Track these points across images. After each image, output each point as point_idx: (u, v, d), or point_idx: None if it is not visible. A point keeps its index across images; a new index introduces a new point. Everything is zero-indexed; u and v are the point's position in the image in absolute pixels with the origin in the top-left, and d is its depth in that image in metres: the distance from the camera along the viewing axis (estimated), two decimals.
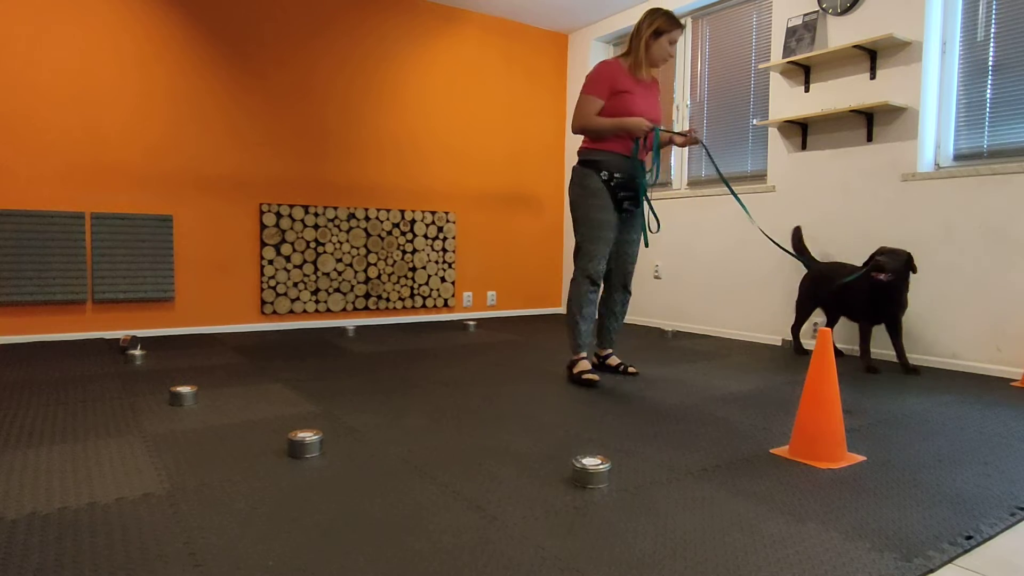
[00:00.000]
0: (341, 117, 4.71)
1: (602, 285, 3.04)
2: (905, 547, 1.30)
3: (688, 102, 4.79)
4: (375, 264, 4.87)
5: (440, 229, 5.14)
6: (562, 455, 1.84)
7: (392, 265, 4.94)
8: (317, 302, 4.64)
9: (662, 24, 2.81)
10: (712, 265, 4.49)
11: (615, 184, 2.83)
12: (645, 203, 2.99)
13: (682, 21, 2.98)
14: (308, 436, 1.82)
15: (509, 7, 5.15)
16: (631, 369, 3.01)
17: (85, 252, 3.86)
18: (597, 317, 3.03)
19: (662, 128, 2.85)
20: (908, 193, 3.41)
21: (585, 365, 2.86)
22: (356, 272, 4.79)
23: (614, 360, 3.08)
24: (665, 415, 2.31)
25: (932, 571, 1.21)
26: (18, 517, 1.38)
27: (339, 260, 4.72)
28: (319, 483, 1.61)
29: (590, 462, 1.62)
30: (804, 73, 3.85)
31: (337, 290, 4.72)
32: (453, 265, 5.21)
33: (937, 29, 3.35)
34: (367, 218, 4.81)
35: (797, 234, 3.76)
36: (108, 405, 2.35)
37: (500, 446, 1.92)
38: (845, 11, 3.63)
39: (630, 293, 3.08)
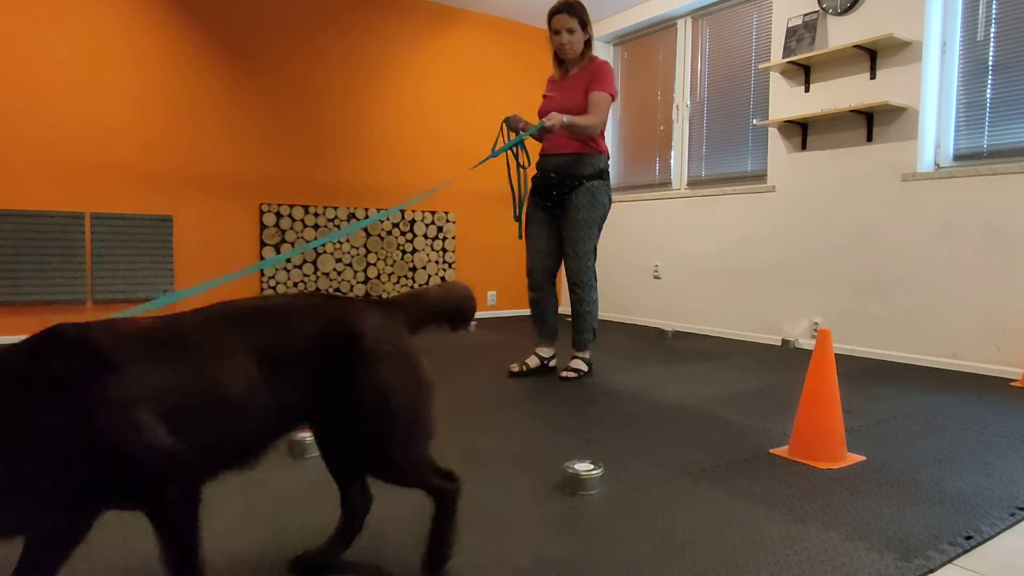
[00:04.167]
0: (341, 117, 4.71)
1: (539, 285, 2.98)
2: (905, 547, 1.30)
3: (688, 102, 4.79)
4: (375, 264, 4.87)
5: (440, 229, 5.14)
6: (562, 456, 1.84)
7: (392, 265, 4.94)
8: None
9: (549, 19, 2.89)
10: (712, 265, 4.49)
11: (534, 184, 3.00)
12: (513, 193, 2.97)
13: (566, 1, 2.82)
14: (308, 436, 1.81)
15: (509, 6, 5.15)
16: (563, 373, 2.90)
17: (85, 252, 3.86)
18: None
19: (511, 119, 2.88)
20: (908, 193, 3.41)
21: (528, 359, 3.01)
22: (356, 272, 4.79)
23: (573, 363, 2.95)
24: (665, 415, 2.31)
25: (932, 571, 1.21)
26: None
27: (339, 260, 4.72)
28: (319, 483, 1.61)
29: (590, 464, 1.62)
30: (804, 73, 3.85)
31: (337, 290, 4.71)
32: (453, 265, 5.21)
33: (937, 29, 3.35)
34: (367, 218, 4.81)
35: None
36: None
37: (499, 447, 1.92)
38: (845, 11, 3.63)
39: (585, 289, 2.87)
